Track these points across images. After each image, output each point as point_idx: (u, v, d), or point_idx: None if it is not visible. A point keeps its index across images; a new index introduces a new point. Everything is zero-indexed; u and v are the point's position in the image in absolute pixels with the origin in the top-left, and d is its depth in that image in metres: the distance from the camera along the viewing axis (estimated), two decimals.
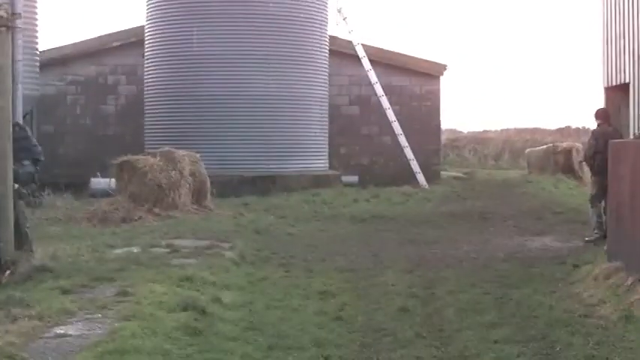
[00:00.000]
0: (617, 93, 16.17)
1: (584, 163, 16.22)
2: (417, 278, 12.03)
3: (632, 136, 14.76)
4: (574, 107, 71.21)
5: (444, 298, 10.62)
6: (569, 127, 49.24)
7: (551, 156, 28.85)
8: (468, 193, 24.63)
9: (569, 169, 28.30)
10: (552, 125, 52.24)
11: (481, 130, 48.27)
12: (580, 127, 48.28)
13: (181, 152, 19.61)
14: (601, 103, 16.56)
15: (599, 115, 15.74)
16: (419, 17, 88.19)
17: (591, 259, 12.93)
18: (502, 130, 49.55)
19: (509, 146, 41.78)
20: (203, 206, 19.51)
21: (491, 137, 44.17)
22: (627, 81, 15.09)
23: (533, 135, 44.69)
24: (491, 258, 13.88)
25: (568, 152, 28.67)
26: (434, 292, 10.95)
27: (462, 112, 79.63)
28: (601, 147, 15.16)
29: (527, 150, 31.59)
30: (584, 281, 10.98)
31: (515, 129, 48.61)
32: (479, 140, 44.03)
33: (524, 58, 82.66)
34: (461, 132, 47.49)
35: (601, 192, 15.32)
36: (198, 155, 20.10)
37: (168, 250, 13.78)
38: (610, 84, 16.14)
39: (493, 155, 41.44)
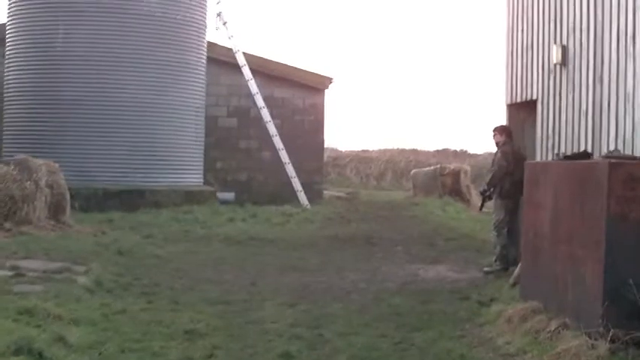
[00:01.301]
0: (522, 110, 14.86)
1: (484, 185, 14.66)
2: (301, 314, 10.35)
3: (538, 157, 13.44)
4: (451, 129, 70.71)
5: (334, 341, 8.94)
6: (447, 149, 48.42)
7: (439, 178, 27.56)
8: (352, 214, 23.04)
9: (456, 192, 27.06)
10: (431, 147, 51.40)
11: (359, 149, 46.94)
12: (458, 149, 47.62)
13: (38, 161, 17.49)
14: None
15: (503, 131, 14.37)
16: (304, 28, 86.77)
17: (495, 294, 11.55)
18: (381, 150, 48.36)
19: (392, 166, 40.55)
20: (61, 222, 17.39)
21: (373, 156, 42.83)
22: (534, 97, 13.77)
23: (414, 156, 43.65)
24: (382, 289, 12.34)
25: (456, 174, 27.43)
26: (321, 334, 9.25)
27: (340, 129, 78.30)
28: (512, 168, 13.87)
29: (413, 171, 30.26)
30: (495, 323, 9.43)
31: (394, 149, 47.48)
32: (361, 159, 42.65)
33: (403, 77, 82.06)
34: (339, 150, 46.09)
35: (508, 217, 14.01)
36: (57, 165, 17.97)
37: (11, 273, 11.72)
38: (514, 100, 14.81)
39: (376, 175, 40.14)
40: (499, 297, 11.19)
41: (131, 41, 21.98)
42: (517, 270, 12.19)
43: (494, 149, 14.66)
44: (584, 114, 11.72)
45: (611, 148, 10.54)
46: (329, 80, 27.79)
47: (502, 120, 15.37)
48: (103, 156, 21.58)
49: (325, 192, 28.53)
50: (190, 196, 21.95)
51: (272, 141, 25.37)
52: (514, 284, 12.01)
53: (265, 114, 25.30)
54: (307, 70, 27.84)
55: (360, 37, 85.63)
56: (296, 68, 27.73)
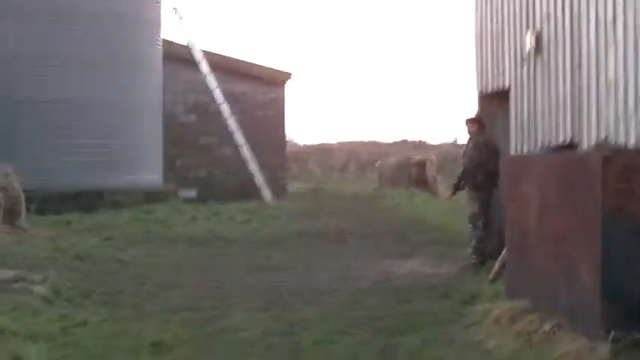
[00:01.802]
0: (494, 100, 14.35)
1: (458, 176, 14.17)
2: (273, 320, 9.76)
3: (512, 148, 12.94)
4: (409, 120, 70.24)
5: (311, 351, 8.36)
6: (406, 140, 47.95)
7: (405, 169, 27.07)
8: (318, 209, 22.46)
9: (422, 183, 26.58)
10: (390, 138, 50.79)
11: (319, 142, 46.23)
12: (417, 140, 47.15)
13: None
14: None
15: (475, 122, 13.88)
16: (260, 22, 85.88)
17: (476, 291, 11.02)
18: (341, 143, 47.70)
19: (355, 157, 40.01)
20: (16, 226, 16.68)
21: (335, 148, 42.23)
22: (507, 86, 13.26)
23: (375, 148, 43.11)
24: (356, 289, 11.78)
25: (422, 165, 26.96)
26: (297, 342, 8.67)
27: (299, 123, 77.54)
28: (485, 159, 13.41)
29: (379, 162, 29.76)
30: (482, 325, 8.88)
31: (354, 142, 46.84)
32: (322, 151, 42.03)
33: (361, 66, 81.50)
34: (299, 144, 45.39)
35: (483, 210, 13.53)
36: (10, 168, 17.21)
37: None
38: (485, 90, 14.28)
39: (339, 167, 39.58)
40: (481, 294, 10.67)
41: (83, 39, 21.22)
42: (497, 265, 11.70)
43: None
44: (562, 103, 11.21)
45: (593, 138, 10.05)
46: (287, 75, 27.25)
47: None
48: (59, 156, 20.82)
49: (289, 186, 27.93)
50: (151, 195, 21.27)
51: (232, 137, 24.72)
52: (494, 280, 11.54)
53: (225, 109, 24.64)
54: (266, 65, 27.28)
55: (315, 29, 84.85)
56: (255, 64, 27.19)
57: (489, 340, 8.32)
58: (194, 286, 12.12)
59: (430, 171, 27.00)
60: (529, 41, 12.10)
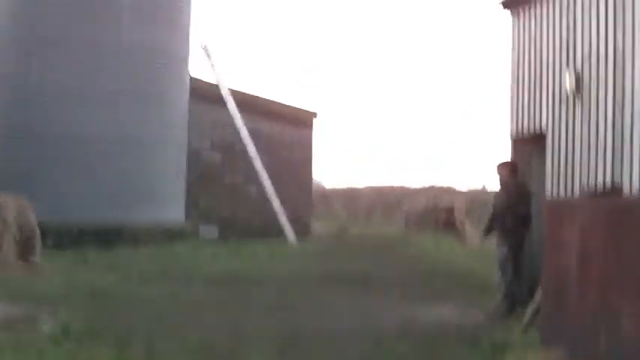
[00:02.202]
0: (528, 145, 13.81)
1: (481, 223, 13.73)
2: None
3: (548, 193, 12.37)
4: (436, 165, 69.61)
5: None
6: (433, 186, 47.35)
7: (432, 213, 26.46)
8: (343, 252, 21.84)
9: (450, 227, 25.96)
10: (418, 184, 50.18)
11: (345, 186, 45.63)
12: (445, 186, 46.53)
13: (6, 198, 16.30)
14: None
15: (506, 167, 13.45)
16: (289, 63, 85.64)
17: (506, 340, 10.39)
18: (369, 187, 47.11)
19: (382, 201, 39.42)
20: (30, 262, 16.20)
21: (362, 192, 41.67)
22: (543, 129, 12.71)
23: (403, 192, 42.50)
24: (381, 335, 11.16)
25: (450, 210, 26.34)
26: None
27: (325, 166, 76.93)
28: (514, 202, 12.95)
29: (406, 207, 29.19)
30: None
31: (379, 187, 46.21)
32: (349, 194, 41.48)
33: (391, 113, 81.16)
34: (323, 186, 44.78)
35: (512, 254, 12.99)
36: (26, 201, 16.75)
37: None
38: (519, 133, 13.74)
39: (365, 210, 38.99)
40: (512, 343, 10.06)
41: (109, 73, 20.85)
42: (528, 312, 11.13)
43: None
44: (602, 146, 10.65)
45: (635, 181, 9.47)
46: (314, 115, 26.85)
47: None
48: (80, 192, 20.37)
49: (313, 228, 27.36)
50: (171, 233, 20.75)
51: (257, 176, 24.22)
52: (525, 328, 10.94)
53: (251, 149, 24.17)
54: (293, 105, 26.90)
55: (343, 69, 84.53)
56: (281, 103, 26.78)
57: None
58: (212, 327, 11.55)
59: (459, 216, 26.36)
60: (569, 82, 11.57)
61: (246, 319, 12.20)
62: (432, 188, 44.91)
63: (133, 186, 20.88)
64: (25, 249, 16.22)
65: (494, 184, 13.79)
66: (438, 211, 26.46)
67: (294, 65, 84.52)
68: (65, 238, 19.10)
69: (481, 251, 22.29)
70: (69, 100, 20.65)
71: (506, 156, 14.23)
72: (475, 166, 66.59)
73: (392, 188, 43.41)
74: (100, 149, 20.65)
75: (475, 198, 37.77)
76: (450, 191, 43.49)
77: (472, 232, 26.06)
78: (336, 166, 68.69)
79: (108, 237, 19.74)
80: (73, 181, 20.42)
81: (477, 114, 78.37)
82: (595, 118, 10.90)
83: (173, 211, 21.81)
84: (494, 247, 13.60)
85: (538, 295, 10.95)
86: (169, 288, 15.03)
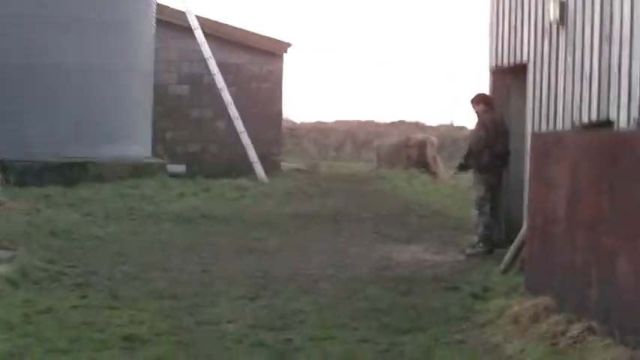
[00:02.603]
0: (508, 76, 13.29)
1: (461, 158, 13.24)
2: (263, 311, 8.72)
3: (529, 128, 11.89)
4: (406, 100, 68.75)
5: (306, 349, 7.32)
6: (403, 121, 46.76)
7: (404, 149, 25.93)
8: (313, 189, 21.32)
9: (422, 164, 25.47)
10: (386, 118, 49.46)
11: (314, 120, 44.77)
12: (414, 121, 45.99)
13: None
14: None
15: (481, 100, 12.91)
16: None
17: (487, 283, 10.02)
18: (338, 122, 46.39)
19: (352, 137, 38.83)
20: None
21: (331, 127, 41.01)
22: (524, 61, 12.18)
23: (373, 127, 41.88)
24: (354, 277, 10.77)
25: (422, 146, 25.82)
26: (290, 339, 7.61)
27: (294, 99, 75.75)
28: (492, 139, 12.48)
29: (377, 142, 28.63)
30: (498, 324, 7.83)
31: (351, 121, 45.50)
32: (318, 130, 40.79)
33: (360, 45, 79.84)
34: (294, 121, 44.05)
35: (489, 194, 12.55)
36: None
37: None
38: (500, 64, 13.19)
39: (335, 146, 38.41)
40: (494, 287, 9.66)
41: (71, 1, 19.95)
42: (509, 254, 10.71)
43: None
44: (588, 78, 10.14)
45: (624, 115, 8.98)
46: (287, 45, 25.94)
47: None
48: (40, 126, 19.56)
49: (283, 164, 26.79)
50: (137, 169, 20.06)
51: (226, 110, 23.53)
52: (506, 270, 10.54)
53: (219, 80, 23.44)
54: (264, 34, 26.01)
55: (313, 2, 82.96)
56: (252, 32, 25.89)
57: (508, 343, 7.27)
58: (178, 268, 11.09)
59: (430, 152, 25.89)
60: (552, 11, 11.01)
61: (214, 261, 11.72)
62: (402, 123, 44.42)
63: (98, 119, 20.09)
64: None
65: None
66: (409, 147, 25.91)
67: None
68: (27, 175, 18.42)
69: (453, 188, 21.98)
70: (29, 29, 19.73)
71: (478, 89, 13.73)
72: (444, 101, 65.82)
73: (362, 123, 42.90)
74: (61, 80, 19.79)
75: (445, 134, 37.47)
76: (419, 127, 43.07)
77: (444, 169, 25.71)
78: (304, 99, 67.44)
79: (71, 173, 19.05)
80: (35, 114, 19.64)
81: (449, 46, 77.59)
82: (580, 49, 10.38)
83: (139, 147, 21.10)
84: (466, 184, 13.15)
85: (519, 237, 10.54)
86: (134, 227, 14.50)
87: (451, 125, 43.52)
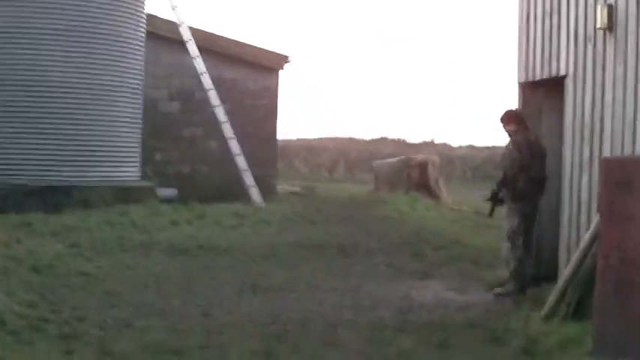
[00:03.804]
0: (539, 90, 12.05)
1: (494, 186, 11.79)
2: None
3: (568, 151, 10.63)
4: (389, 117, 67.56)
5: None
6: (385, 138, 45.74)
7: (404, 170, 24.61)
8: (314, 214, 19.91)
9: (423, 186, 24.17)
10: (365, 135, 48.31)
11: (299, 137, 43.63)
12: (397, 138, 45.03)
13: None
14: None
15: (512, 118, 11.55)
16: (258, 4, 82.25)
17: (529, 330, 8.75)
18: (322, 139, 45.12)
19: (345, 157, 37.52)
20: None
21: (322, 145, 39.73)
22: (562, 73, 10.93)
23: (351, 145, 40.71)
24: (376, 322, 9.50)
25: (423, 166, 24.51)
26: None
27: (284, 116, 74.51)
28: (527, 161, 11.14)
29: (376, 162, 27.30)
30: None
31: (335, 138, 44.33)
32: (309, 148, 39.51)
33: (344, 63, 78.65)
34: (283, 139, 42.87)
35: (524, 225, 11.23)
36: None
37: None
38: (532, 78, 11.93)
39: (327, 166, 37.09)
40: (541, 339, 8.35)
41: (51, 13, 18.57)
42: (552, 297, 9.39)
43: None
44: None
45: None
46: (284, 59, 24.56)
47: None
48: (21, 147, 18.21)
49: (278, 187, 25.43)
50: (125, 194, 18.67)
51: (219, 129, 22.15)
52: (548, 317, 9.22)
53: (213, 97, 22.08)
54: (260, 47, 24.60)
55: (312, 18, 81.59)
56: (248, 45, 24.48)
57: None
58: (176, 311, 9.80)
59: (432, 173, 24.61)
60: (600, 16, 9.77)
61: (216, 302, 10.42)
62: (383, 140, 43.24)
63: (83, 140, 18.74)
64: None
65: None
66: (410, 168, 24.56)
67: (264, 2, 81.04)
68: (7, 200, 17.09)
69: (458, 213, 20.78)
70: (10, 42, 18.43)
71: (502, 106, 12.49)
72: (425, 118, 64.78)
73: (352, 140, 41.86)
74: (45, 97, 18.46)
75: (440, 153, 36.25)
76: (402, 144, 41.96)
77: (446, 192, 24.53)
78: (293, 116, 66.31)
79: (55, 198, 17.66)
80: (15, 134, 18.28)
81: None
82: (633, 59, 9.13)
83: (127, 169, 19.73)
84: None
85: (565, 277, 9.25)
86: (125, 260, 13.16)
87: (432, 142, 42.72)
